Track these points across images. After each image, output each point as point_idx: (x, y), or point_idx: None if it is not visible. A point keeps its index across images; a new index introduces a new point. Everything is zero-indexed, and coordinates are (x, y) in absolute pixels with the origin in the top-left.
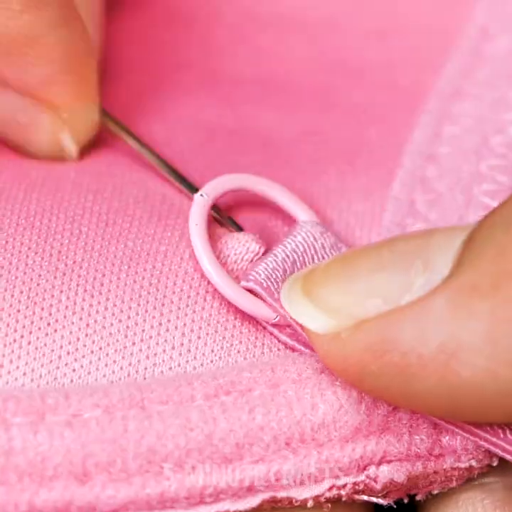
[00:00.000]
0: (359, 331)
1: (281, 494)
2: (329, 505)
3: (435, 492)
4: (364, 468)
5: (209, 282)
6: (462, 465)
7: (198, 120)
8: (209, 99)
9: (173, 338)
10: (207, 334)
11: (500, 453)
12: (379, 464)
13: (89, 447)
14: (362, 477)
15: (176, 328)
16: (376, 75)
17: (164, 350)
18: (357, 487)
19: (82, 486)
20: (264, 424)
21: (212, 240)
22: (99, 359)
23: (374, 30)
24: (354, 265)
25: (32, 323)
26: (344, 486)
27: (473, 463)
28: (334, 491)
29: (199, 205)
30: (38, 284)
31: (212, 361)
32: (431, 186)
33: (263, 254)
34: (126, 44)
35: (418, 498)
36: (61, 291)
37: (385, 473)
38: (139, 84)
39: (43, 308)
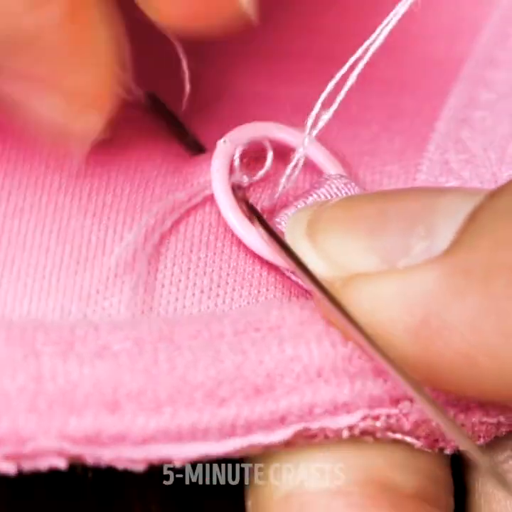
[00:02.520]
0: (351, 284)
1: (314, 425)
2: (372, 439)
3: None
4: (397, 402)
5: (233, 233)
6: (490, 420)
7: (248, 92)
8: (263, 72)
9: (202, 282)
10: (235, 281)
11: None
12: (412, 400)
13: (119, 377)
14: (395, 410)
15: (204, 273)
16: (413, 47)
17: (193, 294)
18: (390, 421)
19: (113, 415)
20: (294, 356)
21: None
22: (130, 298)
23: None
24: (358, 217)
25: (61, 261)
26: (377, 417)
27: (502, 418)
28: (369, 422)
29: (221, 152)
30: (67, 224)
31: (240, 306)
32: (465, 147)
33: (287, 207)
34: None
35: (446, 452)
36: (91, 232)
37: (417, 410)
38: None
39: (72, 247)
